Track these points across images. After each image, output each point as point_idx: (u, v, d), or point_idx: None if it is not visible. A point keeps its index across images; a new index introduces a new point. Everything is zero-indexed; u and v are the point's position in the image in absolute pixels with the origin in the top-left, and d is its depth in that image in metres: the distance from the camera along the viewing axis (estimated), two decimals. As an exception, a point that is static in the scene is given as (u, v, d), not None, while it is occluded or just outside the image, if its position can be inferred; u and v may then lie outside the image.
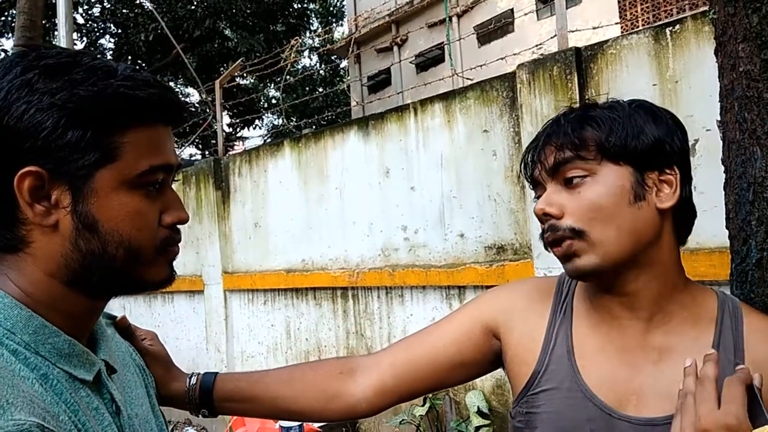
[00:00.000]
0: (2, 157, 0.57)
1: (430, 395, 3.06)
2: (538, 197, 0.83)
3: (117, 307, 5.48)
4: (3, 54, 11.91)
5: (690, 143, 1.15)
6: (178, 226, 0.68)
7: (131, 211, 0.62)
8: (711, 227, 1.70)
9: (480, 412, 2.84)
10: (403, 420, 3.12)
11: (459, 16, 13.64)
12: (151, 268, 0.65)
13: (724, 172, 0.97)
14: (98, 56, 0.64)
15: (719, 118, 0.99)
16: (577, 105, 0.86)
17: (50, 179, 0.58)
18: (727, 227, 0.97)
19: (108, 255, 0.61)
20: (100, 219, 0.60)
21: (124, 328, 0.86)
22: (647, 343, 0.81)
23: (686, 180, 0.81)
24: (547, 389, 0.84)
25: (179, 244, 0.69)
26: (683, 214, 0.82)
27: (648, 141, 0.78)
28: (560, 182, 0.80)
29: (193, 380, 0.92)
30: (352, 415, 0.95)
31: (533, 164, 0.83)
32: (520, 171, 0.86)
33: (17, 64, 0.59)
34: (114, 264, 0.62)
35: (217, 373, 0.95)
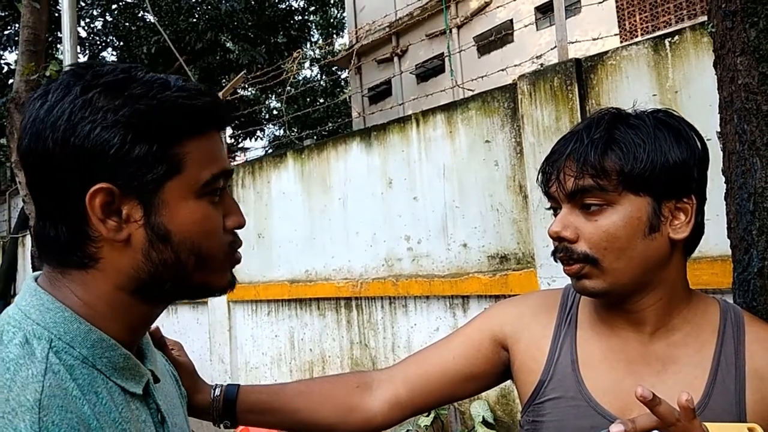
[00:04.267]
0: (72, 176, 0.58)
1: (435, 405, 3.06)
2: (551, 208, 0.85)
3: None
4: (6, 67, 11.99)
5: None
6: (237, 231, 0.69)
7: (200, 218, 0.63)
8: (713, 236, 1.71)
9: (485, 422, 2.84)
10: (408, 430, 3.12)
11: (459, 27, 13.74)
12: (217, 273, 0.66)
13: (725, 182, 0.99)
14: (148, 69, 0.64)
15: (719, 129, 1.01)
16: (604, 109, 0.85)
17: (120, 194, 0.59)
18: (728, 237, 0.99)
19: (180, 263, 0.62)
20: (172, 229, 0.61)
21: (157, 338, 0.87)
22: (650, 353, 0.82)
23: (702, 203, 0.81)
24: (553, 398, 0.86)
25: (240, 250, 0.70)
26: (694, 236, 0.82)
27: (670, 169, 0.77)
28: (577, 206, 0.80)
29: (217, 392, 0.94)
30: (369, 428, 0.96)
31: (551, 180, 0.82)
32: (537, 181, 0.86)
33: (75, 84, 0.59)
34: (185, 271, 0.63)
35: (239, 385, 0.96)
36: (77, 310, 0.60)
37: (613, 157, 0.77)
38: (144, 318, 0.66)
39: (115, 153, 0.57)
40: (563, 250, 0.80)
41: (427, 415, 3.07)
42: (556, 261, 0.83)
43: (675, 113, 0.83)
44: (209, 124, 0.64)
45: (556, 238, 0.81)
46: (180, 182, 0.61)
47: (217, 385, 0.96)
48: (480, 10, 12.97)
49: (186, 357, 0.94)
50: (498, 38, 6.52)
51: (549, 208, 0.85)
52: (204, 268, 0.64)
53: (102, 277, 0.61)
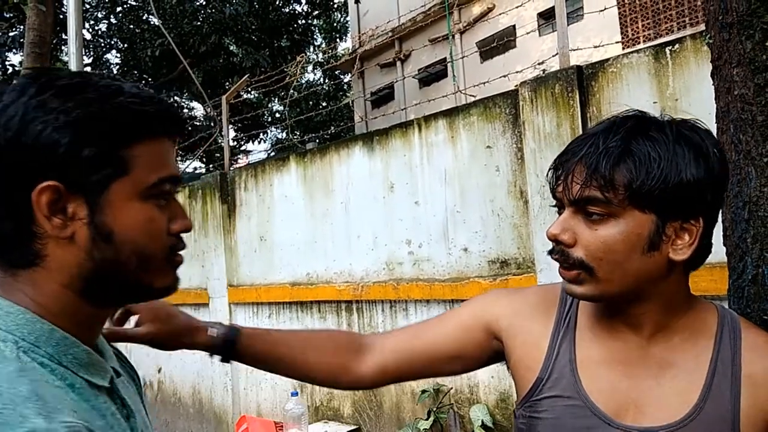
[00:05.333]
0: (20, 173, 0.60)
1: (435, 409, 3.07)
2: (555, 206, 0.84)
3: (122, 320, 5.50)
4: (10, 68, 12.04)
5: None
6: (183, 235, 0.72)
7: (144, 220, 0.65)
8: (713, 243, 1.72)
9: (484, 426, 2.85)
10: (407, 434, 3.13)
11: (461, 33, 13.79)
12: (159, 275, 0.69)
13: (721, 190, 1.01)
14: (105, 75, 0.68)
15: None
16: (629, 111, 0.83)
17: (67, 193, 0.61)
18: (724, 244, 1.01)
19: (121, 263, 0.64)
20: (115, 229, 0.64)
21: (114, 333, 0.92)
22: (648, 356, 0.83)
23: (710, 225, 0.79)
24: (550, 396, 0.87)
25: (182, 252, 0.73)
26: (698, 256, 0.80)
27: (682, 189, 0.74)
28: (580, 211, 0.78)
29: (216, 333, 0.99)
30: (357, 387, 1.07)
31: (559, 181, 0.81)
32: (546, 176, 0.85)
33: (31, 86, 0.62)
34: (127, 271, 0.65)
35: (239, 329, 1.01)
36: (34, 311, 0.63)
37: (624, 170, 0.74)
38: (95, 319, 0.69)
39: (64, 153, 0.60)
40: (559, 253, 0.80)
41: (426, 419, 3.08)
42: (553, 259, 0.83)
43: (702, 126, 0.80)
44: (160, 130, 0.67)
45: (554, 240, 0.81)
46: (126, 184, 0.64)
47: (214, 324, 1.01)
48: (483, 16, 13.02)
49: (163, 308, 0.99)
50: (500, 44, 6.55)
51: (553, 206, 0.84)
52: (146, 268, 0.66)
53: (49, 276, 0.63)
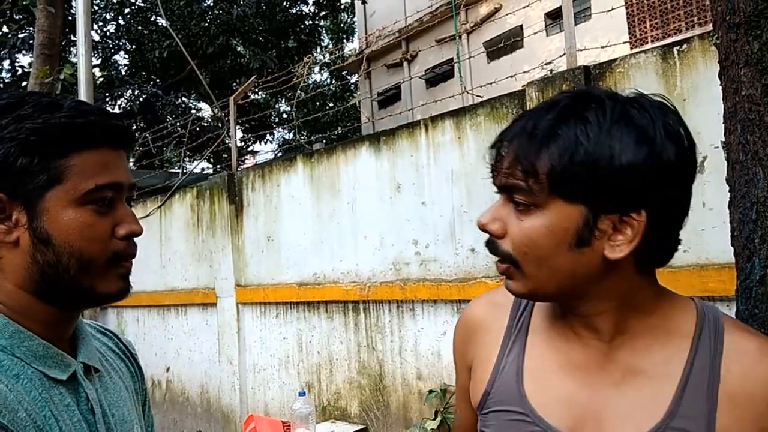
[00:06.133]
0: None
1: (442, 409, 3.08)
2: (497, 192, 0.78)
3: (131, 319, 5.53)
4: (20, 70, 12.13)
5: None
6: (135, 240, 0.75)
7: (80, 225, 0.69)
8: (719, 243, 1.72)
9: (491, 427, 2.85)
10: (414, 434, 3.13)
11: (468, 33, 13.79)
12: (102, 279, 0.72)
13: (729, 191, 1.01)
14: (46, 95, 0.73)
15: (723, 139, 1.03)
16: (576, 90, 0.72)
17: (9, 201, 0.68)
18: (732, 245, 1.01)
19: (62, 265, 0.69)
20: (52, 233, 0.68)
21: None
22: (610, 362, 0.73)
23: (663, 218, 0.67)
24: (495, 411, 0.79)
25: (132, 260, 0.76)
26: (651, 252, 0.69)
27: (615, 176, 0.63)
28: (510, 199, 0.72)
29: None
30: None
31: (492, 166, 0.74)
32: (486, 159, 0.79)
33: None
34: (68, 274, 0.69)
35: None
36: None
37: (546, 156, 0.66)
38: (56, 317, 0.73)
39: (1, 165, 0.66)
40: (491, 244, 0.73)
41: (434, 419, 3.09)
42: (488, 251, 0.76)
43: (662, 105, 0.68)
44: (97, 141, 0.71)
45: (483, 230, 0.73)
46: (61, 191, 0.68)
47: None
48: (490, 16, 13.01)
49: None
50: (507, 44, 6.54)
51: (496, 192, 0.76)
52: (86, 272, 0.70)
53: (4, 276, 0.69)
